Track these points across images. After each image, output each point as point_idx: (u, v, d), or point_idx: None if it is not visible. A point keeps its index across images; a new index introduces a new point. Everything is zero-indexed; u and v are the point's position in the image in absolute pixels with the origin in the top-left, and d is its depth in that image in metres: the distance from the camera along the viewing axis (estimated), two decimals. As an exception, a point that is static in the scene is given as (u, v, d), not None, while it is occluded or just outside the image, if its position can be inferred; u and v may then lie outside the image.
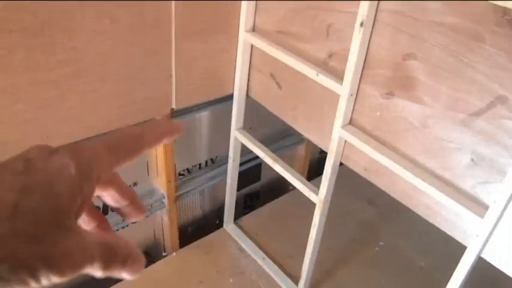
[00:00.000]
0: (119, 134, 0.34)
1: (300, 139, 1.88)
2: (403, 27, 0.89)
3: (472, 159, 0.86)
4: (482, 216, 0.84)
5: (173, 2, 1.08)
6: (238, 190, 1.65)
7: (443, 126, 0.89)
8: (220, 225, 1.71)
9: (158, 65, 1.15)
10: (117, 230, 1.42)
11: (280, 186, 1.94)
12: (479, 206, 0.86)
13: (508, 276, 0.88)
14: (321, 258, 1.43)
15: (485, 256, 0.90)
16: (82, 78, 1.02)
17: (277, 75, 1.24)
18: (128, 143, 0.33)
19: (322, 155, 2.04)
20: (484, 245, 0.88)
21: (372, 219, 1.80)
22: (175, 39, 1.13)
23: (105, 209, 1.27)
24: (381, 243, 1.69)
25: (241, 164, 1.61)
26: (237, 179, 1.58)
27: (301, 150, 1.91)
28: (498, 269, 0.89)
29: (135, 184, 1.43)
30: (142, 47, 1.09)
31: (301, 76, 1.13)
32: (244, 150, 1.49)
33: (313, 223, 1.25)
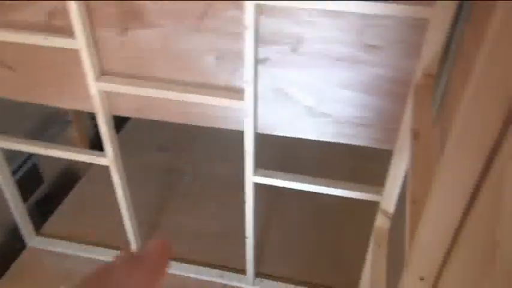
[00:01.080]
0: None
1: (65, 121, 1.77)
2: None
3: (216, 57, 0.98)
4: (243, 99, 0.98)
5: None
6: (25, 201, 1.47)
7: (182, 39, 0.96)
8: (23, 246, 1.53)
9: None
10: None
11: (71, 178, 1.81)
12: (237, 93, 1.00)
13: (292, 139, 1.07)
14: (142, 216, 1.44)
15: (261, 130, 1.06)
16: None
17: (6, 59, 1.11)
18: None
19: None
20: (255, 123, 1.04)
21: (169, 163, 1.87)
22: None
23: None
24: (187, 177, 1.80)
25: (14, 172, 1.44)
26: (16, 190, 1.40)
27: (72, 132, 1.80)
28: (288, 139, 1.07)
29: None
30: None
31: (32, 48, 1.04)
32: (12, 156, 1.33)
33: (115, 184, 1.23)
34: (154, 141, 1.97)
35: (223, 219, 1.60)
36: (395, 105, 0.95)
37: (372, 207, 1.12)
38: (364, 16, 0.83)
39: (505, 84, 0.37)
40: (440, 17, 0.76)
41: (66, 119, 1.79)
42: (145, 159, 1.87)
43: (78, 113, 1.80)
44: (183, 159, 1.89)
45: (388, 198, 1.05)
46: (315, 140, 1.07)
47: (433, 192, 0.49)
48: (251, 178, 1.12)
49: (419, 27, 0.82)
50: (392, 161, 0.99)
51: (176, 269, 1.43)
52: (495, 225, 0.37)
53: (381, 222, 1.09)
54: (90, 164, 1.80)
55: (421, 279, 0.54)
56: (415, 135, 0.74)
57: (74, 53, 1.01)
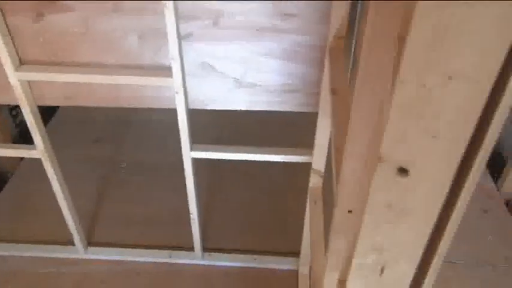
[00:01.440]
0: None
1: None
2: None
3: (139, 36, 0.98)
4: (171, 76, 1.00)
5: None
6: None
7: (102, 21, 0.96)
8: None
9: None
10: None
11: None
12: (165, 70, 1.01)
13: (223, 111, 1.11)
14: (83, 208, 1.42)
15: (192, 106, 1.09)
16: None
17: None
18: None
19: (21, 126, 1.88)
20: (186, 98, 1.06)
21: (104, 153, 1.84)
22: None
23: None
24: (123, 166, 1.78)
25: None
26: None
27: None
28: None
29: None
30: None
31: None
32: None
33: (50, 176, 1.21)
34: (86, 133, 1.93)
35: (165, 204, 1.62)
36: (315, 70, 1.02)
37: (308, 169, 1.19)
38: (276, -15, 0.88)
39: (393, 25, 0.43)
40: (344, -18, 0.82)
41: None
42: (79, 151, 1.82)
43: (-1, 112, 1.71)
44: (119, 149, 1.86)
45: (318, 158, 1.12)
46: (246, 112, 1.12)
47: (349, 133, 0.55)
48: (188, 154, 1.15)
49: (328, -7, 0.88)
50: (318, 122, 1.06)
51: (124, 254, 1.43)
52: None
53: (315, 182, 1.17)
54: (18, 163, 1.74)
55: (349, 211, 0.60)
56: (333, 91, 0.81)
57: (-12, 44, 0.97)
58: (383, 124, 0.30)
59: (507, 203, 1.65)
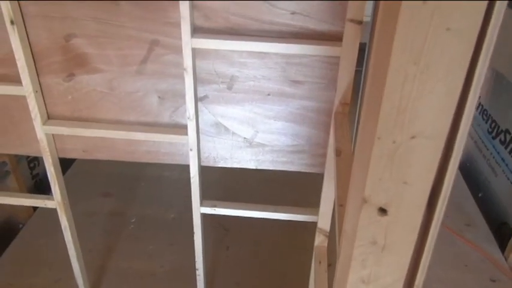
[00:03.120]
0: None
1: (3, 173, 1.74)
2: (52, 13, 0.98)
3: (159, 97, 1.07)
4: (186, 134, 1.07)
5: None
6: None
7: (126, 82, 1.05)
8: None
9: None
10: None
11: (11, 229, 1.77)
12: (181, 128, 1.09)
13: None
14: (89, 262, 1.44)
15: (204, 163, 1.15)
16: None
17: None
18: None
19: (37, 178, 1.95)
20: (199, 155, 1.12)
21: (114, 207, 1.89)
22: None
23: None
24: (133, 220, 1.82)
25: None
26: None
27: (11, 182, 1.78)
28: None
29: None
30: None
31: (-25, 96, 1.08)
32: None
33: (63, 227, 1.25)
34: (97, 187, 1.98)
35: (171, 259, 1.63)
36: (321, 132, 1.08)
37: (312, 229, 1.22)
38: (285, 56, 0.97)
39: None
40: (348, 54, 0.91)
41: (3, 169, 1.77)
42: (90, 204, 1.87)
43: (17, 164, 1.79)
44: (128, 204, 1.91)
45: (324, 218, 1.16)
46: (254, 170, 1.17)
47: (350, 189, 0.60)
48: (198, 209, 1.19)
49: (333, 63, 0.97)
50: (324, 183, 1.11)
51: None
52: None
53: (320, 241, 1.19)
54: (30, 215, 1.78)
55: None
56: (337, 152, 0.87)
57: (22, 99, 1.06)
58: (366, 172, 0.35)
59: (515, 273, 1.63)
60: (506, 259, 1.67)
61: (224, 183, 1.93)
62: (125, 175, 2.05)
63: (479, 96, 2.17)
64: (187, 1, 0.90)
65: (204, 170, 1.16)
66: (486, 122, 2.12)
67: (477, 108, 2.21)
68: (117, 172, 2.06)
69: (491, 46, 0.28)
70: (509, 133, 1.92)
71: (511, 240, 1.68)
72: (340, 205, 0.76)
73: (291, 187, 1.88)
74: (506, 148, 1.93)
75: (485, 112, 2.13)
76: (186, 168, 1.13)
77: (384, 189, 0.35)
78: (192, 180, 1.14)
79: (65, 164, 2.04)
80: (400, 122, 0.31)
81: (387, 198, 0.35)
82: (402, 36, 0.26)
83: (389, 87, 0.29)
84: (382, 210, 0.36)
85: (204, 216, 1.22)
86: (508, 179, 1.89)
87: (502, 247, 1.72)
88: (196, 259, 1.28)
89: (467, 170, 2.22)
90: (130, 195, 1.95)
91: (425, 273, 0.40)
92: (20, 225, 1.78)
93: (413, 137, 0.32)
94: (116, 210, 1.87)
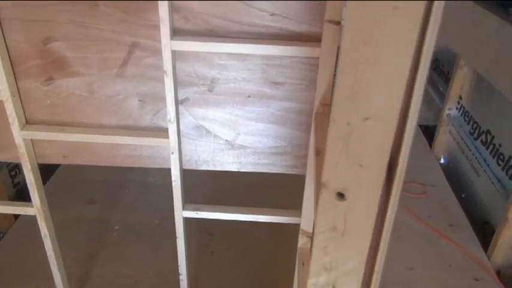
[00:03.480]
0: None
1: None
2: (30, 16, 0.97)
3: (140, 100, 1.06)
4: (167, 137, 1.07)
5: None
6: None
7: (106, 86, 1.04)
8: None
9: None
10: None
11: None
12: (162, 131, 1.08)
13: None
14: (72, 269, 1.42)
15: (186, 166, 1.14)
16: None
17: None
18: None
19: (19, 186, 1.92)
20: (180, 159, 1.12)
21: (98, 214, 1.86)
22: None
23: None
24: (116, 227, 1.80)
25: None
26: None
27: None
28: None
29: None
30: None
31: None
32: None
33: (43, 235, 1.22)
34: (81, 193, 1.96)
35: (155, 265, 1.61)
36: (302, 133, 1.08)
37: (296, 231, 1.22)
38: (265, 57, 0.97)
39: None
40: (327, 55, 0.92)
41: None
42: (73, 211, 1.84)
43: (-1, 172, 1.76)
44: (112, 210, 1.89)
45: (307, 219, 1.16)
46: (236, 172, 1.17)
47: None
48: (181, 213, 1.18)
49: (313, 64, 0.98)
50: (306, 184, 1.11)
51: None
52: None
53: (303, 242, 1.19)
54: (10, 224, 1.75)
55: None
56: (317, 152, 0.87)
57: (-2, 104, 1.05)
58: (323, 157, 0.35)
59: (498, 272, 1.65)
60: (489, 258, 1.69)
61: (208, 187, 1.92)
62: (109, 181, 2.02)
63: (461, 98, 2.20)
64: (166, 2, 0.90)
65: (188, 174, 1.15)
66: (468, 123, 2.15)
67: (459, 109, 2.24)
68: (101, 178, 2.03)
69: (436, 25, 0.28)
70: (491, 134, 1.95)
71: (494, 239, 1.70)
72: (317, 203, 0.76)
73: (276, 189, 1.88)
74: (487, 149, 1.96)
75: (467, 113, 2.16)
76: (170, 173, 1.12)
77: (340, 173, 0.35)
78: (173, 184, 1.14)
79: (48, 171, 2.01)
80: (353, 103, 0.31)
81: (344, 183, 0.35)
82: (353, 17, 0.26)
83: (343, 69, 0.29)
84: (340, 195, 0.36)
85: (189, 221, 1.21)
86: (490, 179, 1.92)
87: (485, 246, 1.74)
88: (180, 264, 1.27)
89: (450, 171, 2.25)
90: (115, 202, 1.93)
91: (385, 257, 0.40)
92: (1, 235, 1.75)
93: (366, 119, 0.32)
94: (99, 217, 1.85)
